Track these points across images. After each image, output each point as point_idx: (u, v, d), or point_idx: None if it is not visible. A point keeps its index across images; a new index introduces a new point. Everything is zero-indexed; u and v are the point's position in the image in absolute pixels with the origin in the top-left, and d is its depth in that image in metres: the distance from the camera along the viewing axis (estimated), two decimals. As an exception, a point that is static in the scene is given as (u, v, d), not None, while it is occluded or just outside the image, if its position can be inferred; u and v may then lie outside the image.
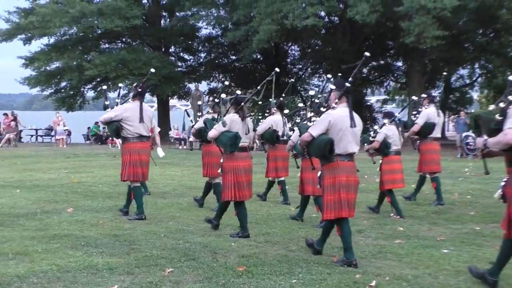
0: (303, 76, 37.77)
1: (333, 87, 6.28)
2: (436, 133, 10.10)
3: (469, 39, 30.74)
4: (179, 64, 36.57)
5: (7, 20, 32.20)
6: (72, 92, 32.92)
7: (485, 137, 5.33)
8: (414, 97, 12.59)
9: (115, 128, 8.34)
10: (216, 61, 36.51)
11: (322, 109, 6.49)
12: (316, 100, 7.31)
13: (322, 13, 28.98)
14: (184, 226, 7.87)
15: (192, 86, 35.98)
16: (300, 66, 38.61)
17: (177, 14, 34.36)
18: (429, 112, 10.00)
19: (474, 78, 37.14)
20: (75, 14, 29.55)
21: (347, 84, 6.15)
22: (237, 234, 7.25)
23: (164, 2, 34.70)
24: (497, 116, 5.05)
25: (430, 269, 5.78)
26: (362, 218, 8.64)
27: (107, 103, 9.02)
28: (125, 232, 7.44)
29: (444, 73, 30.71)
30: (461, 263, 6.08)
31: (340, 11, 28.00)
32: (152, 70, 9.72)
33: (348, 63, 32.10)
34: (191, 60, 37.30)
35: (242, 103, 7.42)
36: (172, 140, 28.11)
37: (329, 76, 8.94)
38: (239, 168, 7.22)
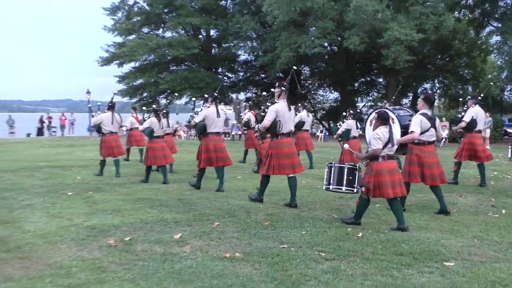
0: (312, 89, 37.51)
1: (206, 95, 8.35)
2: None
3: (431, 62, 30.41)
4: (225, 79, 36.58)
5: (107, 50, 32.98)
6: (151, 100, 33.27)
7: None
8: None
9: (97, 127, 9.98)
10: (251, 78, 36.39)
11: (205, 107, 8.29)
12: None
13: (325, 44, 28.76)
14: (227, 193, 7.90)
15: (233, 96, 36.07)
16: (310, 81, 38.28)
17: (223, 45, 34.44)
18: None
19: (434, 90, 36.42)
20: (153, 46, 30.19)
21: (215, 94, 8.17)
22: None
23: (214, 36, 34.76)
24: (262, 113, 6.71)
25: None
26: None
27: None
28: (186, 197, 7.50)
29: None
30: (423, 221, 5.98)
31: (338, 42, 27.76)
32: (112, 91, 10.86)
33: (344, 80, 32.07)
34: (233, 77, 37.27)
35: (159, 112, 9.30)
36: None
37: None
38: (157, 148, 9.08)
